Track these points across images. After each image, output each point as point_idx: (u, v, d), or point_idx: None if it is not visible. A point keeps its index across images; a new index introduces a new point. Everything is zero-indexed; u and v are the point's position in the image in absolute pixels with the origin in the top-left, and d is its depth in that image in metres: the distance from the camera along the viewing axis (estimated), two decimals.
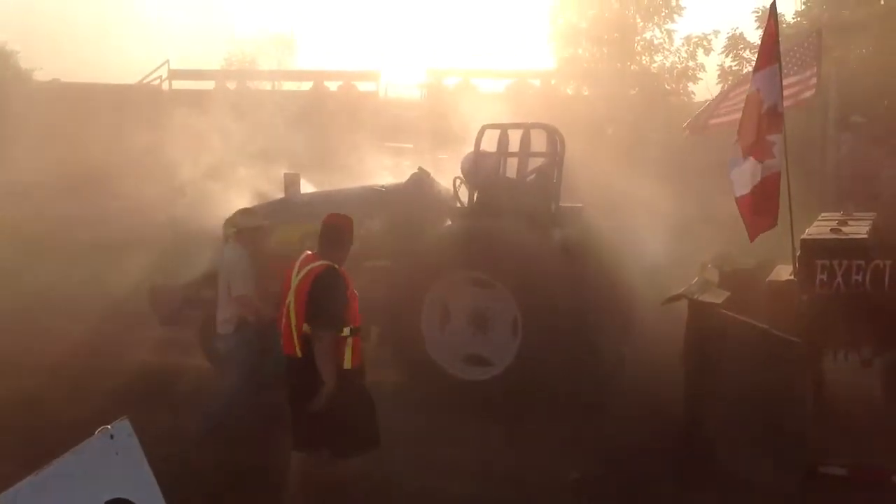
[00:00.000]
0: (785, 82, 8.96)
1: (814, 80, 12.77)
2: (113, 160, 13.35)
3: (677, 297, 8.31)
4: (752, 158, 8.26)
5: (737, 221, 8.71)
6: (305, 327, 6.24)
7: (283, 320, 6.41)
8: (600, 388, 8.97)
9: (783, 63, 8.50)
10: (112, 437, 2.98)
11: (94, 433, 2.95)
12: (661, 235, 10.07)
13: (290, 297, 6.34)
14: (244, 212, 8.94)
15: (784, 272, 8.99)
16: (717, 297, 8.32)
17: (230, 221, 10.60)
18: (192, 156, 12.01)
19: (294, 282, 6.36)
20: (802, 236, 8.52)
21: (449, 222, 9.81)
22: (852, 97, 16.92)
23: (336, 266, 6.37)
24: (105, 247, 12.43)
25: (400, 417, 8.85)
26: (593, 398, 8.76)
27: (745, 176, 8.30)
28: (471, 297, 9.36)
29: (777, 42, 8.50)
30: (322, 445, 6.42)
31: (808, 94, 12.33)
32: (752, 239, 8.40)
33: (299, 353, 6.29)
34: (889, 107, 17.32)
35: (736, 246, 9.97)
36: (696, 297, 8.19)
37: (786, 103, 8.63)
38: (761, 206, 8.24)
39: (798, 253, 8.30)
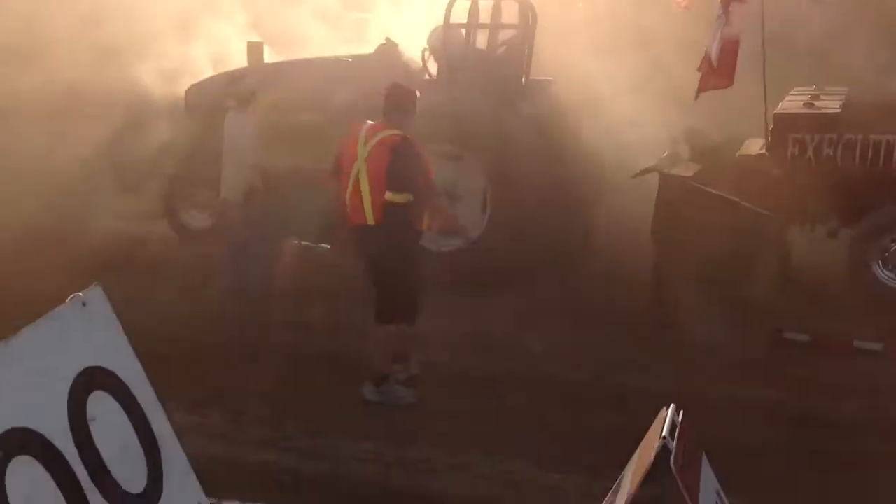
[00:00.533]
0: None
1: None
2: (69, 28, 12.82)
3: (648, 171, 8.32)
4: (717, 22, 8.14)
5: (706, 96, 8.64)
6: (389, 195, 6.22)
7: (352, 188, 6.35)
8: (568, 259, 9.00)
9: None
10: (84, 304, 2.88)
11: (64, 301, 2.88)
12: (631, 109, 9.96)
13: (360, 167, 6.29)
14: (238, 80, 8.77)
15: (754, 146, 8.99)
16: (688, 171, 8.32)
17: (194, 89, 10.38)
18: (147, 24, 11.59)
19: (363, 151, 6.30)
20: (775, 111, 8.48)
21: (418, 95, 9.59)
22: None
23: (408, 136, 6.37)
24: (59, 117, 12.05)
25: (363, 287, 8.89)
26: (561, 270, 8.80)
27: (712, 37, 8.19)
28: (440, 171, 9.22)
29: None
30: (400, 310, 6.55)
31: None
32: (696, 96, 8.30)
33: (373, 221, 6.29)
34: None
35: (706, 120, 9.91)
36: (666, 170, 8.19)
37: None
38: (717, 68, 8.11)
39: (770, 127, 8.26)
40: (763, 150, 8.74)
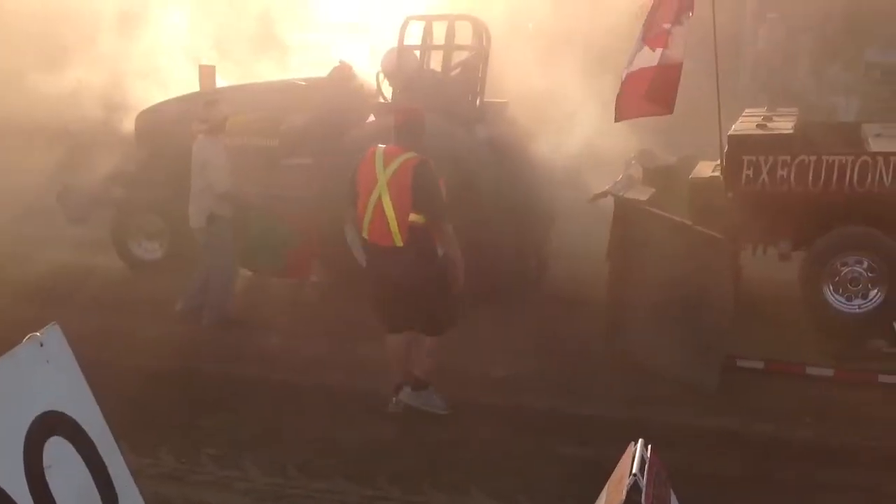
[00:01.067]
0: None
1: None
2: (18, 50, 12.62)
3: (603, 195, 8.33)
4: (642, 42, 8.04)
5: (657, 118, 8.65)
6: (414, 217, 6.36)
7: (372, 212, 6.45)
8: (524, 285, 8.99)
9: None
10: (42, 344, 2.79)
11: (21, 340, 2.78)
12: (587, 131, 10.01)
13: (381, 190, 6.39)
14: (208, 103, 8.66)
15: (706, 168, 9.06)
16: (642, 194, 8.36)
17: (144, 115, 10.24)
18: (97, 46, 11.42)
19: (383, 175, 6.39)
20: (729, 132, 8.55)
21: (372, 118, 9.57)
22: None
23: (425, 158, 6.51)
24: (9, 147, 11.86)
25: (325, 314, 8.81)
26: (517, 295, 8.79)
27: (632, 56, 8.07)
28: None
29: None
30: (417, 325, 6.69)
31: None
32: (618, 119, 8.11)
33: (401, 243, 6.39)
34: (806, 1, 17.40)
35: (658, 142, 10.00)
36: (621, 193, 8.21)
37: None
38: (655, 93, 8.03)
39: (725, 149, 8.33)
40: (715, 173, 8.81)
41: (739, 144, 8.31)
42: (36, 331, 2.84)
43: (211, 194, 8.40)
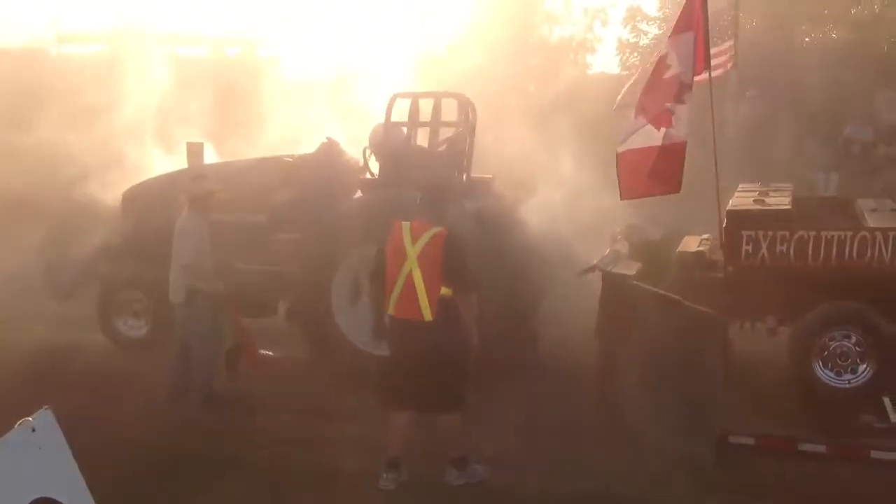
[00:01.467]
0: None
1: (730, 55, 12.69)
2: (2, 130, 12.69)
3: (591, 269, 8.34)
4: (643, 119, 8.13)
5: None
6: (445, 290, 6.45)
7: (402, 287, 6.50)
8: (514, 362, 8.94)
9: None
10: (34, 430, 2.75)
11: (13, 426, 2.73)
12: (569, 206, 10.08)
13: (412, 264, 6.47)
14: (196, 178, 8.69)
15: (692, 243, 9.12)
16: (630, 269, 8.38)
17: (131, 192, 10.26)
18: (87, 124, 11.48)
19: (413, 248, 6.49)
20: (728, 207, 8.61)
21: (359, 194, 9.62)
22: (747, 69, 17.28)
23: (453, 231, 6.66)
24: None
25: (308, 393, 8.72)
26: (507, 372, 8.73)
27: (628, 133, 8.13)
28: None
29: (703, 10, 8.22)
30: (432, 403, 6.67)
31: (720, 71, 12.19)
32: (625, 198, 8.19)
33: (429, 317, 6.43)
34: (786, 79, 17.73)
35: (642, 216, 10.06)
36: (609, 268, 8.23)
37: (697, 77, 8.52)
38: (661, 172, 8.12)
39: (724, 224, 8.37)
40: (701, 247, 8.87)
41: (739, 219, 8.35)
42: (22, 412, 2.79)
43: (191, 269, 8.35)
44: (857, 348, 8.03)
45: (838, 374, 8.08)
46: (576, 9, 23.26)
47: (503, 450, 7.39)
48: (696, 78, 8.29)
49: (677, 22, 8.39)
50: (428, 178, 7.13)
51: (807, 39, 20.87)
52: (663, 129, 7.87)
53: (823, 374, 8.10)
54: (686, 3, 8.39)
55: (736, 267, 8.26)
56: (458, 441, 6.82)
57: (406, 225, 6.62)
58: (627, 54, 22.45)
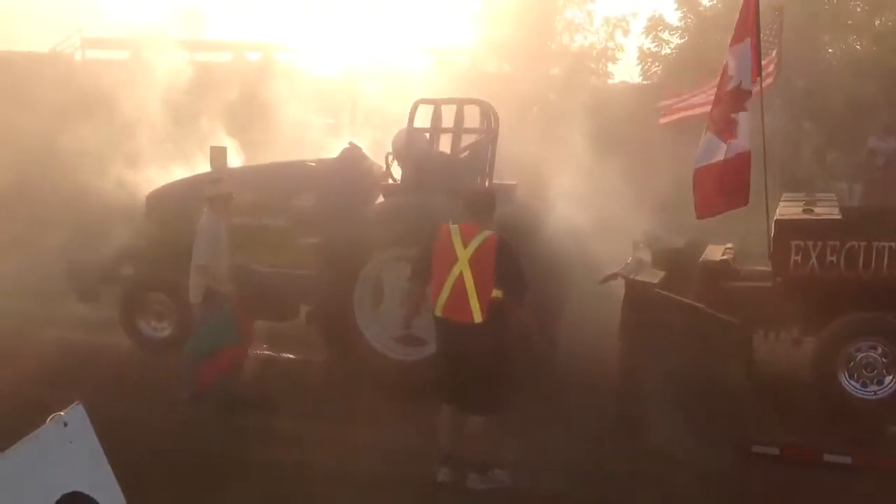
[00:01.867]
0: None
1: (773, 66, 12.64)
2: (22, 131, 12.77)
3: (613, 277, 8.30)
4: (711, 134, 8.11)
5: (662, 199, 8.67)
6: (496, 293, 6.50)
7: (451, 289, 6.56)
8: (534, 369, 8.90)
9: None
10: (65, 424, 2.75)
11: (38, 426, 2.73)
12: (591, 213, 10.05)
13: (463, 267, 6.53)
14: (213, 180, 8.74)
15: (715, 252, 9.07)
16: (653, 277, 8.33)
17: (154, 194, 10.31)
18: (110, 129, 11.56)
19: (465, 252, 6.55)
20: (776, 217, 8.54)
21: (381, 199, 9.62)
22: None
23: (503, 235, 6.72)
24: (18, 221, 11.92)
25: (328, 397, 8.72)
26: (526, 380, 8.70)
27: (702, 150, 8.14)
28: (404, 276, 9.17)
29: (756, 15, 8.23)
30: (472, 403, 6.69)
31: (769, 80, 12.14)
32: (700, 216, 8.20)
33: (480, 319, 6.47)
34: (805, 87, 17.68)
35: (664, 224, 10.04)
36: (631, 276, 8.19)
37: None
38: (728, 186, 8.07)
39: (772, 233, 8.31)
40: (725, 256, 8.81)
41: (787, 229, 8.28)
42: (47, 412, 2.78)
43: (210, 270, 8.41)
44: (884, 359, 7.95)
45: (864, 385, 8.00)
46: (597, 18, 23.29)
47: (525, 452, 7.35)
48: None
49: (735, 32, 8.38)
50: (470, 184, 7.09)
51: (830, 50, 20.79)
52: (729, 142, 7.85)
53: (849, 385, 8.02)
54: (741, 12, 8.41)
55: (784, 277, 8.18)
56: (482, 445, 6.79)
57: (455, 228, 6.67)
58: (649, 63, 22.42)
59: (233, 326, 8.46)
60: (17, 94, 13.16)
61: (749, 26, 8.24)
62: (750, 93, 8.09)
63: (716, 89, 8.61)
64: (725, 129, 7.94)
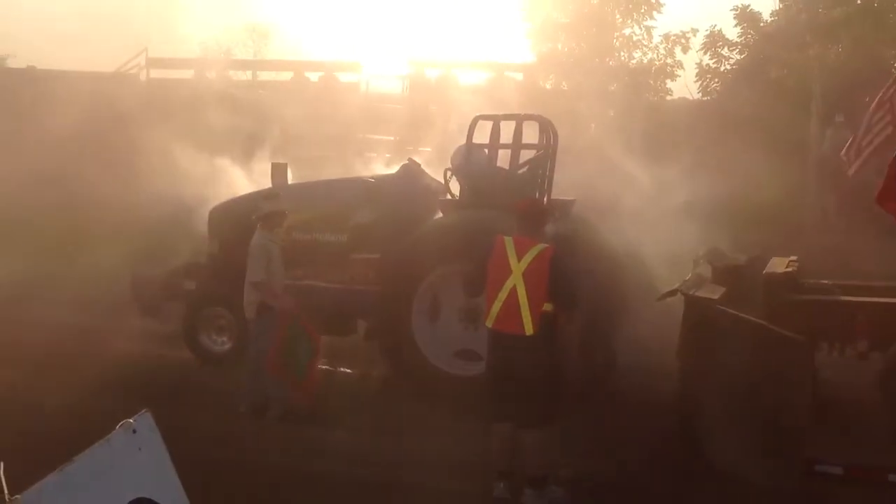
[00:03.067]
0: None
1: None
2: (91, 149, 13.10)
3: (673, 293, 8.24)
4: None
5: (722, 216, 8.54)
6: (548, 306, 6.53)
7: (504, 301, 6.59)
8: (593, 384, 8.86)
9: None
10: (135, 431, 2.81)
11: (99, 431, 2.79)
12: (650, 229, 9.99)
13: (517, 280, 6.56)
14: (267, 196, 8.87)
15: (780, 265, 8.92)
16: (713, 293, 8.24)
17: (216, 210, 10.49)
18: (175, 146, 11.78)
19: (519, 265, 6.58)
20: None
21: (440, 214, 9.67)
22: (832, 94, 17.00)
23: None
24: (84, 236, 12.18)
25: (386, 411, 8.76)
26: (586, 395, 8.66)
27: None
28: (462, 291, 9.20)
29: None
30: (523, 417, 6.67)
31: None
32: (878, 202, 7.87)
33: (531, 331, 6.49)
34: (869, 102, 17.35)
35: (725, 240, 9.93)
36: (691, 292, 8.10)
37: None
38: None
39: None
40: (790, 269, 8.66)
41: None
42: (117, 421, 2.84)
43: (262, 286, 8.50)
44: None
45: None
46: (655, 34, 23.14)
47: (581, 472, 7.31)
48: None
49: None
50: (525, 199, 7.23)
51: (894, 64, 20.40)
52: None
53: None
54: None
55: None
56: (537, 460, 6.77)
57: (509, 240, 6.70)
58: (708, 79, 22.19)
59: (305, 338, 8.54)
60: (80, 112, 13.48)
61: None
62: None
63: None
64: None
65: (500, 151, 9.65)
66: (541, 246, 6.62)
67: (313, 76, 22.66)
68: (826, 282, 8.83)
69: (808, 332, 7.51)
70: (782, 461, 6.95)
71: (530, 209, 6.99)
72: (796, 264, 8.95)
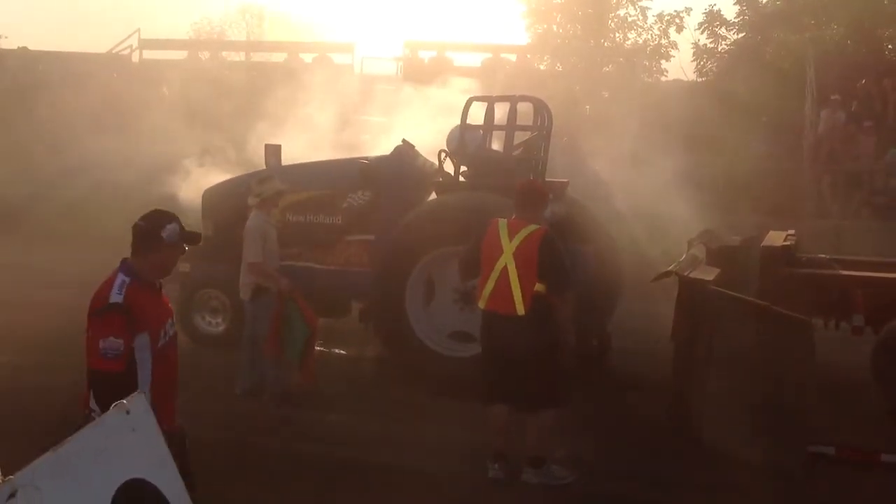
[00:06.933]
0: None
1: None
2: (84, 129, 13.00)
3: (667, 274, 8.22)
4: None
5: (718, 198, 8.56)
6: (539, 287, 6.52)
7: (495, 281, 6.62)
8: (587, 365, 8.88)
9: None
10: (128, 412, 2.80)
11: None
12: (644, 211, 9.99)
13: (507, 260, 6.59)
14: (262, 179, 8.80)
15: (777, 238, 8.90)
16: (708, 274, 8.23)
17: (209, 192, 10.45)
18: (167, 127, 11.73)
19: (510, 245, 6.60)
20: None
21: (434, 196, 9.65)
22: (828, 76, 16.98)
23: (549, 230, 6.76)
24: (76, 218, 12.13)
25: (380, 393, 8.77)
26: (580, 376, 8.67)
27: None
28: (456, 273, 9.19)
29: None
30: (522, 399, 6.70)
31: None
32: None
33: (522, 311, 6.51)
34: (865, 85, 17.34)
35: (717, 222, 9.93)
36: (685, 273, 8.09)
37: None
38: None
39: None
40: (787, 242, 8.65)
41: None
42: None
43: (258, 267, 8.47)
44: None
45: None
46: (650, 15, 23.09)
47: (573, 454, 7.31)
48: None
49: None
50: (524, 180, 7.16)
51: (890, 46, 20.39)
52: None
53: None
54: None
55: None
56: (537, 440, 6.79)
57: (503, 222, 6.73)
58: (705, 60, 22.14)
59: (301, 319, 8.52)
60: (71, 92, 13.42)
61: None
62: None
63: None
64: None
65: (495, 133, 9.63)
66: (532, 227, 6.63)
67: (307, 57, 22.64)
68: (823, 256, 8.82)
69: (804, 307, 7.52)
70: (782, 441, 6.96)
71: (526, 192, 6.97)
72: (794, 238, 8.95)
